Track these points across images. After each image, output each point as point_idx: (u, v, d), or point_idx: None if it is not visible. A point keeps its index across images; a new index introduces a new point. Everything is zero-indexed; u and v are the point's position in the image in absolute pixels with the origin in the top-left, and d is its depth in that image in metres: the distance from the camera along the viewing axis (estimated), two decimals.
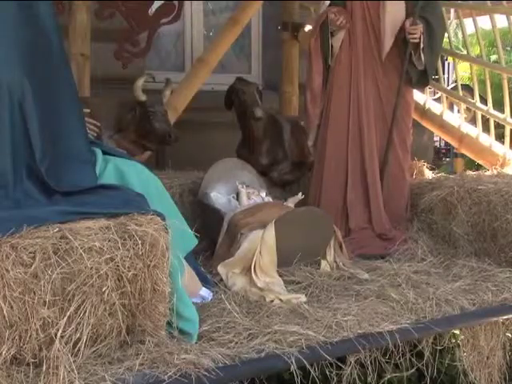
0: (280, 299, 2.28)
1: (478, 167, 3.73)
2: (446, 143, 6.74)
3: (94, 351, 1.56)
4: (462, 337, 2.07)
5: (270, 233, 2.49)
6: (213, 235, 2.91)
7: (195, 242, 2.20)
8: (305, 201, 3.11)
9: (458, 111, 3.95)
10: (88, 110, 2.44)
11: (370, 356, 1.83)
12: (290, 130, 3.64)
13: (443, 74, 4.24)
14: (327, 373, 1.77)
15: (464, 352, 2.04)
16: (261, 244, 2.48)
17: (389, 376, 1.93)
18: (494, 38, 3.22)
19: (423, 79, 3.12)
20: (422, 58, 3.04)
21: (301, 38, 4.01)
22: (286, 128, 3.63)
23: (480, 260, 2.54)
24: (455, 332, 2.16)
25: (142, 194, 1.83)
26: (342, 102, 3.16)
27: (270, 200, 3.11)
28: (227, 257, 2.55)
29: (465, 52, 3.68)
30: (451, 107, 4.19)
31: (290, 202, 2.97)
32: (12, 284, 1.43)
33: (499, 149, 3.42)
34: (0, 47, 1.54)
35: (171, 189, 3.16)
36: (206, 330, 1.84)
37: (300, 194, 3.00)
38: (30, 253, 1.48)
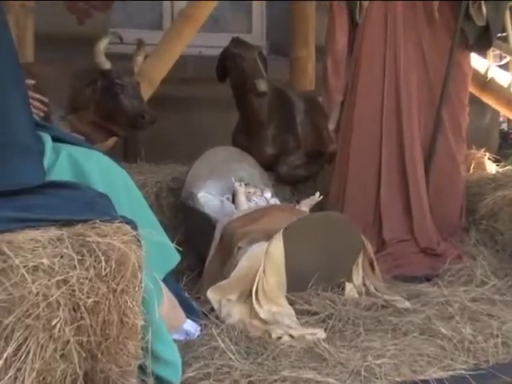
0: (290, 335, 2.29)
1: None
2: None
3: None
4: None
5: (278, 246, 2.50)
6: (201, 249, 2.93)
7: (177, 258, 2.20)
8: (323, 203, 3.13)
9: None
10: (32, 82, 2.42)
11: None
12: (304, 110, 3.67)
13: None
14: None
15: None
16: (265, 261, 2.49)
17: None
18: None
19: (484, 39, 3.10)
20: (483, 11, 3.02)
21: None
22: (298, 106, 3.66)
23: None
24: None
25: (106, 195, 1.83)
26: (374, 72, 3.17)
27: (277, 202, 3.14)
28: (220, 278, 2.57)
29: None
30: None
31: (304, 206, 3.00)
32: None
33: None
34: None
35: (145, 188, 3.20)
36: (192, 376, 1.86)
37: (317, 194, 3.02)
38: None
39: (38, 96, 2.33)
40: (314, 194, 3.04)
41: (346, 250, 2.66)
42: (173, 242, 2.03)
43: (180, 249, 2.07)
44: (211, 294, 2.51)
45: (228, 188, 3.15)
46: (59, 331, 1.58)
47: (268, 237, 2.55)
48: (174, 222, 3.22)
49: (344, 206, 3.19)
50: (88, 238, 1.65)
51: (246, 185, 3.11)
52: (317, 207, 3.04)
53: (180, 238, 2.86)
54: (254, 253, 2.53)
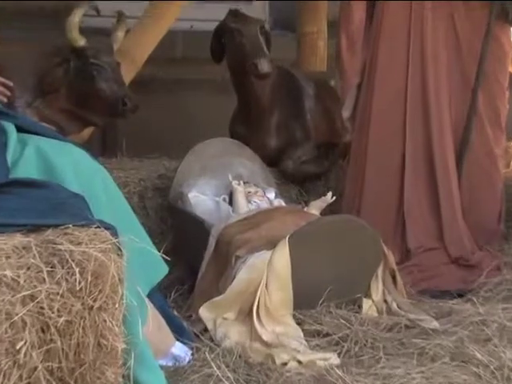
0: (298, 361, 2.29)
1: None
2: None
3: None
4: None
5: (283, 256, 2.51)
6: (192, 259, 2.93)
7: (165, 270, 2.21)
8: (337, 205, 3.13)
9: None
10: None
11: None
12: (314, 94, 3.68)
13: None
14: None
15: None
16: (268, 273, 2.50)
17: None
18: None
19: None
20: None
21: None
22: (307, 91, 3.66)
23: None
24: None
25: (81, 195, 1.84)
26: (396, 51, 3.17)
27: (283, 204, 3.13)
28: (215, 294, 2.58)
29: None
30: None
31: (314, 208, 3.00)
32: None
33: None
34: None
35: (127, 187, 3.22)
36: None
37: (329, 194, 3.02)
38: None
39: (0, 79, 2.33)
40: (325, 194, 3.04)
41: (364, 261, 2.66)
42: (159, 251, 2.03)
43: (168, 259, 2.08)
44: (204, 312, 2.51)
45: (224, 187, 3.15)
46: (25, 356, 1.57)
47: (271, 244, 2.56)
48: (161, 227, 3.24)
49: (361, 208, 3.19)
50: (59, 246, 1.64)
51: (245, 183, 3.11)
52: (329, 210, 3.05)
53: (168, 246, 2.88)
54: (255, 263, 2.53)
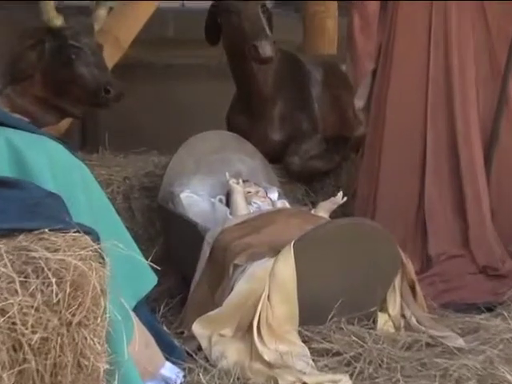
0: (304, 383, 2.29)
1: None
2: None
3: None
4: None
5: (287, 264, 2.51)
6: (184, 268, 2.95)
7: (153, 280, 2.21)
8: (348, 207, 3.15)
9: None
10: None
11: None
12: (323, 81, 3.70)
13: None
14: None
15: None
16: (270, 284, 2.50)
17: None
18: None
19: None
20: None
21: None
22: (314, 77, 3.69)
23: None
24: None
25: (58, 195, 1.83)
26: (416, 33, 3.18)
27: (287, 205, 3.14)
28: (210, 307, 2.58)
29: None
30: None
31: (323, 210, 3.01)
32: None
33: None
34: None
35: (110, 186, 3.24)
36: None
37: (340, 194, 3.03)
38: None
39: None
40: (335, 194, 3.04)
41: (379, 270, 2.66)
42: (147, 259, 2.03)
43: (157, 267, 2.07)
44: (198, 328, 2.51)
45: (221, 186, 3.16)
46: None
47: (274, 251, 2.56)
48: (149, 232, 3.26)
49: (376, 210, 3.20)
50: (33, 254, 1.64)
51: (244, 182, 3.12)
52: (340, 212, 3.06)
53: (157, 253, 2.89)
54: (256, 273, 2.53)
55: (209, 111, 3.79)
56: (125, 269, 1.91)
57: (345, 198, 3.01)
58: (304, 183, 3.56)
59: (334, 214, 3.01)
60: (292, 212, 2.97)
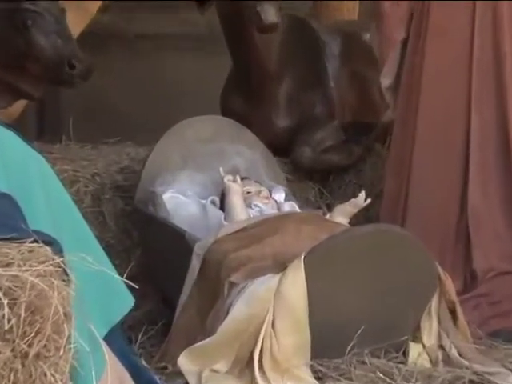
0: None
1: None
2: None
3: None
4: None
5: (296, 282, 2.51)
6: (168, 287, 2.96)
7: (129, 303, 2.19)
8: (373, 211, 3.18)
9: None
10: None
11: None
12: (341, 54, 3.72)
13: None
14: None
15: None
16: (275, 307, 2.50)
17: None
18: None
19: None
20: None
21: None
22: (330, 49, 3.70)
23: None
24: None
25: (10, 195, 1.84)
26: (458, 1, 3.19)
27: (296, 209, 3.15)
28: (200, 335, 2.59)
29: None
30: None
31: (340, 214, 3.01)
32: None
33: None
34: None
35: (75, 185, 3.24)
36: None
37: (361, 195, 3.02)
38: None
39: None
40: (355, 195, 3.04)
41: (411, 289, 2.65)
42: (122, 275, 2.02)
43: (134, 286, 2.06)
44: (185, 362, 2.51)
45: (213, 185, 3.17)
46: None
47: (280, 266, 2.56)
48: (124, 242, 3.25)
49: (407, 215, 3.20)
50: None
51: (242, 179, 3.11)
52: (362, 217, 3.07)
53: (134, 269, 2.84)
54: (258, 293, 2.53)
55: (198, 91, 3.78)
56: (94, 288, 1.90)
57: (368, 200, 3.00)
58: (317, 181, 3.58)
59: (355, 220, 3.01)
60: (302, 217, 2.96)
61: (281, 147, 3.51)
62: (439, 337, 2.70)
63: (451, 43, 3.20)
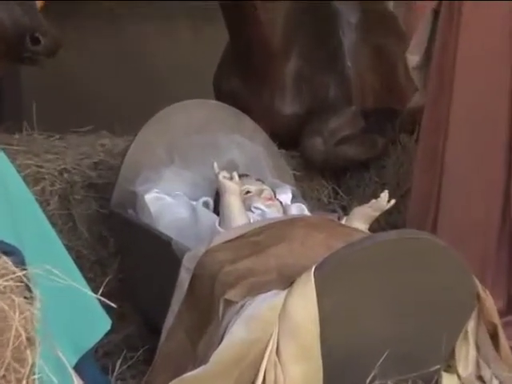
0: None
1: None
2: None
3: None
4: None
5: (305, 300, 2.51)
6: (150, 306, 2.97)
7: (105, 325, 2.22)
8: (398, 214, 3.21)
9: None
10: None
11: None
12: (360, 26, 3.76)
13: None
14: None
15: None
16: (280, 330, 2.50)
17: None
18: None
19: None
20: None
21: None
22: (347, 20, 3.73)
23: None
24: None
25: None
26: None
27: (305, 212, 3.17)
28: (190, 364, 2.59)
29: None
30: None
31: (359, 218, 3.03)
32: None
33: None
34: None
35: (40, 183, 3.26)
36: None
37: (384, 195, 3.04)
38: None
39: None
40: (376, 195, 3.05)
41: (444, 307, 2.66)
42: (96, 292, 2.03)
43: (112, 305, 2.07)
44: None
45: (206, 183, 3.19)
46: None
47: (286, 281, 2.56)
48: (99, 252, 3.28)
49: (439, 220, 3.21)
50: None
51: (241, 177, 3.13)
52: (384, 221, 3.12)
53: (111, 285, 2.86)
54: (259, 314, 2.53)
55: (187, 70, 3.78)
56: (63, 307, 1.92)
57: (392, 201, 3.02)
58: (331, 178, 3.61)
59: (376, 225, 3.04)
60: (313, 222, 2.97)
61: (287, 138, 3.54)
62: (477, 366, 2.70)
63: (492, 16, 3.21)
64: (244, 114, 3.39)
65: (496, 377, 2.70)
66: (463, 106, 3.23)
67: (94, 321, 2.20)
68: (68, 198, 3.30)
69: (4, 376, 1.67)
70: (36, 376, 1.71)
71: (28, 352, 1.71)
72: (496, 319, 2.74)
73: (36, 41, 3.06)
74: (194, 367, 2.54)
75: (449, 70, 3.24)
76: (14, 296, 1.73)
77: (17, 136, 3.56)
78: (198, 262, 2.78)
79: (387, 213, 3.04)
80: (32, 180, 3.12)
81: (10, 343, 1.69)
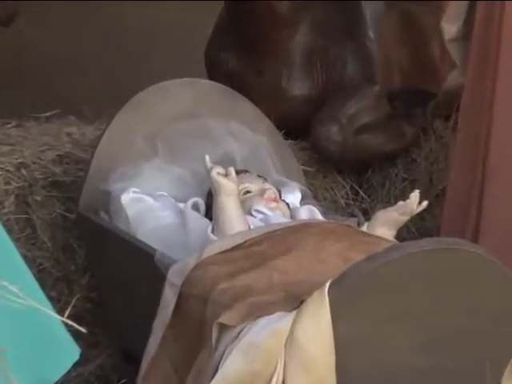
0: None
1: None
2: None
3: None
4: None
5: (318, 325, 2.50)
6: (128, 331, 2.98)
7: (73, 354, 2.20)
8: (431, 219, 3.22)
9: None
10: None
11: None
12: None
13: None
14: None
15: None
16: (287, 360, 2.51)
17: None
18: None
19: None
20: None
21: None
22: None
23: None
24: None
25: None
26: None
27: (318, 216, 3.19)
28: None
29: None
30: None
31: (383, 223, 3.05)
32: None
33: None
34: None
35: None
36: None
37: (414, 195, 3.05)
38: None
39: None
40: (405, 196, 3.06)
41: (488, 334, 2.66)
42: (62, 314, 2.03)
43: (80, 329, 2.07)
44: None
45: (195, 181, 3.22)
46: None
47: (294, 301, 2.56)
48: (65, 266, 3.27)
49: (481, 226, 3.21)
50: None
51: (239, 173, 3.13)
52: (414, 227, 3.12)
53: (80, 304, 2.86)
54: (261, 341, 2.53)
55: (173, 44, 3.78)
56: (22, 333, 1.92)
57: (424, 203, 3.03)
58: (349, 175, 3.62)
59: (405, 232, 3.05)
60: (327, 229, 2.98)
61: (296, 125, 3.56)
62: None
63: None
64: (242, 97, 3.41)
65: None
66: (509, 88, 3.24)
67: (60, 349, 2.20)
68: (27, 200, 3.30)
69: None
70: None
71: None
72: None
73: None
74: None
75: (493, 41, 3.24)
76: None
77: None
78: (187, 278, 2.78)
79: (418, 217, 3.05)
80: None
81: None
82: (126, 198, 3.10)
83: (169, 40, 3.96)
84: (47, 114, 3.60)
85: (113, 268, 3.10)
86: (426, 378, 2.59)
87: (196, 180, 3.20)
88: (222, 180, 3.01)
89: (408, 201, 3.02)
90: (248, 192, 3.13)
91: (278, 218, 3.08)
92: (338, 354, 2.50)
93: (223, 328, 2.61)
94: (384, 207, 3.13)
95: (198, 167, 3.15)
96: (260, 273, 2.74)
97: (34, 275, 2.20)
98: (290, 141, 3.48)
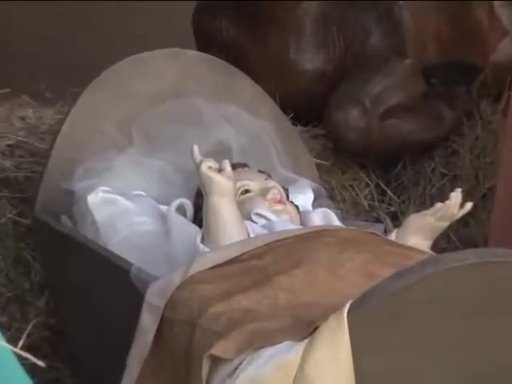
0: None
1: None
2: None
3: None
4: None
5: (334, 356, 2.50)
6: (96, 362, 3.00)
7: None
8: (476, 225, 3.21)
9: None
10: None
11: None
12: None
13: None
14: None
15: None
16: None
17: None
18: None
19: None
20: None
21: None
22: None
23: None
24: None
25: None
26: None
27: (334, 221, 3.21)
28: None
29: None
30: None
31: (417, 230, 3.07)
32: None
33: None
34: None
35: None
36: None
37: (455, 195, 3.07)
38: None
39: None
40: (444, 196, 3.08)
41: None
42: (15, 344, 2.02)
43: (39, 363, 2.05)
44: None
45: (181, 177, 3.24)
46: None
47: (304, 328, 2.56)
48: (18, 282, 3.29)
49: None
50: None
51: (236, 168, 3.15)
52: (455, 235, 3.11)
53: (36, 332, 2.86)
54: (265, 376, 2.53)
55: (154, 7, 3.80)
56: None
57: (467, 206, 3.04)
58: (374, 170, 3.63)
59: (444, 241, 3.05)
60: (346, 238, 3.00)
61: (307, 108, 3.57)
62: None
63: None
64: (240, 72, 3.42)
65: None
66: None
67: (11, 379, 2.19)
68: None
69: None
70: None
71: None
72: None
73: None
74: None
75: None
76: None
77: None
78: (170, 299, 2.79)
79: (461, 223, 3.04)
80: None
81: None
82: (93, 200, 3.10)
83: (149, 5, 3.97)
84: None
85: (77, 287, 3.10)
86: None
87: (181, 176, 3.22)
88: (214, 176, 3.00)
89: (448, 202, 3.02)
90: (247, 191, 3.15)
91: (285, 224, 3.09)
92: None
93: (216, 361, 2.60)
94: (417, 211, 3.14)
95: (183, 160, 3.16)
96: (262, 293, 2.75)
97: None
98: (299, 127, 3.50)
